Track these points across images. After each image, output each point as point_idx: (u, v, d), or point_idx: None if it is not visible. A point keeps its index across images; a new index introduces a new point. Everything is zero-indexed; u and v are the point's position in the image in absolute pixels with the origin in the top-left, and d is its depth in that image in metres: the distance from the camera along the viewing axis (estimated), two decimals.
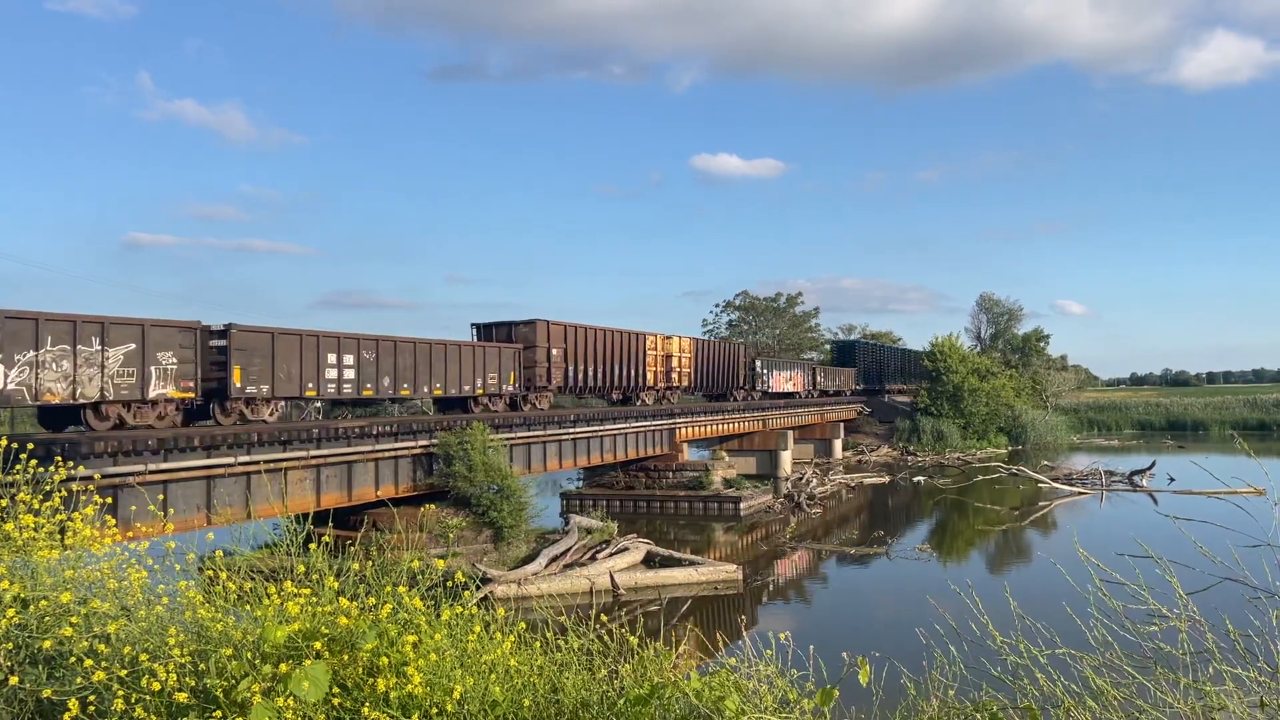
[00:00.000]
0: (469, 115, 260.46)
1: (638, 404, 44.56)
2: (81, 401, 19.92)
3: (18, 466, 6.45)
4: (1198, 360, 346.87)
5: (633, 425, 41.13)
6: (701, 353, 51.71)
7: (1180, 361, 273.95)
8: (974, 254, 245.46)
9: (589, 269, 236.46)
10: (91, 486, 6.61)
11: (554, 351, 37.60)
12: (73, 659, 4.36)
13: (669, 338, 47.60)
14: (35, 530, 5.66)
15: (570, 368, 38.92)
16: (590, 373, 40.53)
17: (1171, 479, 48.44)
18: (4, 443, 6.27)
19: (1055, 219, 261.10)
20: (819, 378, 71.99)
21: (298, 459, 23.62)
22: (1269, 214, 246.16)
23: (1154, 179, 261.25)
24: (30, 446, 6.54)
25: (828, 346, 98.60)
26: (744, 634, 5.53)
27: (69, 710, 4.04)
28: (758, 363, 59.72)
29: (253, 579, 4.92)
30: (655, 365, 45.56)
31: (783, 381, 63.24)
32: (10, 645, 4.53)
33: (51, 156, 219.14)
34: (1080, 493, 47.49)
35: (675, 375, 47.58)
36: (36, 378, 18.95)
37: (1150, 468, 51.00)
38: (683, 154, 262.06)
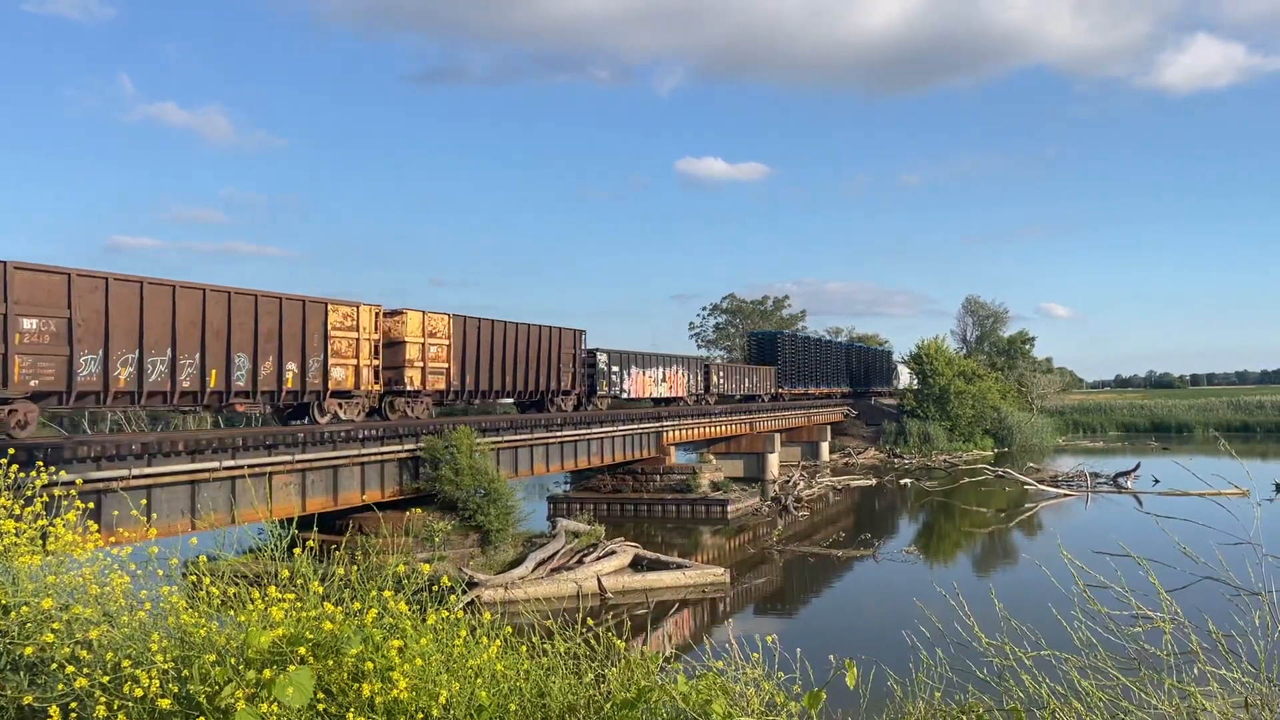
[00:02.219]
0: (451, 118, 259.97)
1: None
2: None
3: None
4: (1182, 362, 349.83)
5: (620, 428, 41.12)
6: (477, 338, 33.52)
7: (1164, 364, 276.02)
8: (958, 257, 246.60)
9: (574, 273, 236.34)
10: (74, 491, 6.56)
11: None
12: (54, 665, 4.33)
13: (405, 314, 29.99)
14: (16, 536, 5.62)
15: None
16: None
17: (1156, 480, 48.70)
18: None
19: (1039, 222, 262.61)
20: (716, 378, 57.37)
21: (283, 463, 23.50)
22: (1251, 217, 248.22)
23: (1136, 182, 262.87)
24: (11, 451, 6.49)
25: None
26: (731, 637, 5.53)
27: (51, 717, 4.01)
28: (602, 357, 43.53)
29: (237, 584, 4.89)
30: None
31: (649, 384, 48.58)
32: None
33: (31, 159, 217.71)
34: (1065, 494, 47.70)
35: (418, 374, 30.15)
36: None
37: (1135, 469, 51.27)
38: (667, 158, 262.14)
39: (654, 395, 49.86)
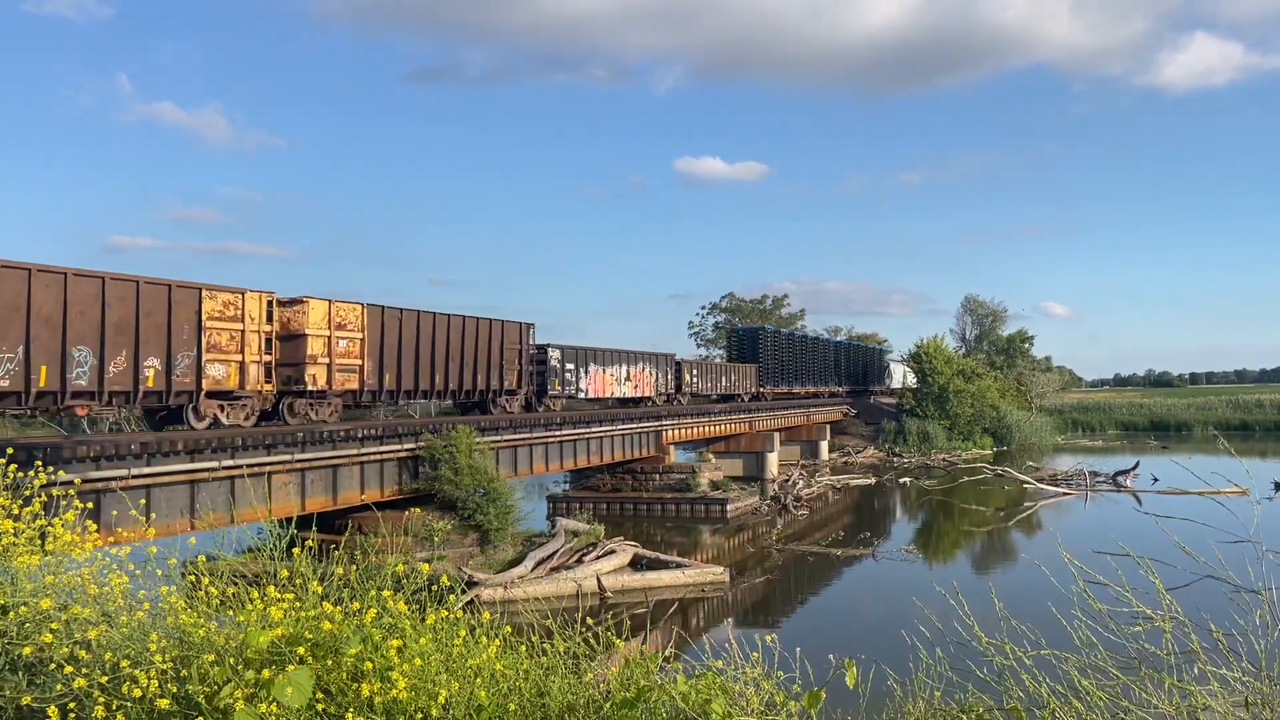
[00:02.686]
0: (449, 118, 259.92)
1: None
2: None
3: None
4: (1181, 361, 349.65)
5: (620, 428, 41.13)
6: (399, 332, 29.68)
7: (1163, 362, 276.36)
8: (957, 256, 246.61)
9: (573, 272, 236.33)
10: (72, 491, 6.55)
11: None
12: (53, 665, 4.32)
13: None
14: (15, 536, 5.61)
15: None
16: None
17: (1155, 479, 48.71)
18: None
19: (1038, 221, 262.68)
20: (689, 377, 53.33)
21: (282, 463, 23.50)
22: (1251, 215, 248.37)
23: (1135, 181, 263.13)
24: (10, 451, 6.49)
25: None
26: (730, 636, 5.52)
27: (49, 717, 4.00)
28: (554, 354, 39.47)
29: (236, 584, 4.88)
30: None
31: (610, 383, 44.51)
32: None
33: (29, 159, 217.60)
34: (1065, 493, 47.72)
35: (322, 371, 26.39)
36: None
37: (1134, 468, 51.28)
38: (665, 157, 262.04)
39: (617, 395, 45.64)
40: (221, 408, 23.58)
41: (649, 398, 48.43)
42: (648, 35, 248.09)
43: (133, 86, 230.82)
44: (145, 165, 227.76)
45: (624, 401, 46.69)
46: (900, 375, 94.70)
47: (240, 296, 23.85)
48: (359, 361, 27.78)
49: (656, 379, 49.44)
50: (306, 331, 25.87)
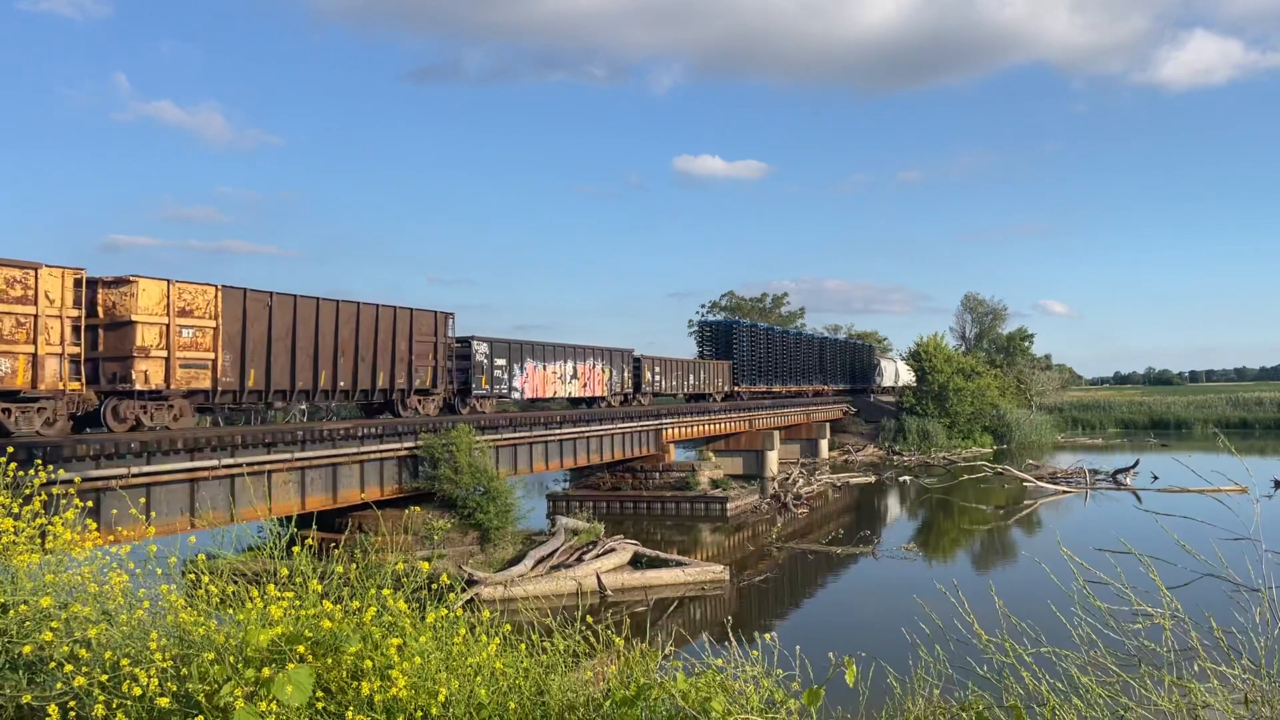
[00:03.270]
0: (447, 116, 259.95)
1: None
2: None
3: None
4: (1180, 359, 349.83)
5: (619, 426, 41.11)
6: (268, 321, 25.04)
7: (1163, 361, 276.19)
8: (956, 255, 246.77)
9: (573, 271, 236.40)
10: (72, 490, 6.54)
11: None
12: (53, 664, 4.33)
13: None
14: (15, 534, 5.61)
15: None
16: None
17: (1155, 477, 48.72)
18: None
19: (1036, 219, 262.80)
20: (651, 374, 48.16)
21: (282, 461, 23.49)
22: (1249, 214, 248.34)
23: (1134, 179, 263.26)
24: (10, 450, 6.49)
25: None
26: (730, 634, 5.53)
27: (49, 715, 4.00)
28: (480, 348, 34.30)
29: (236, 582, 4.88)
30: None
31: (552, 381, 39.29)
32: None
33: (27, 157, 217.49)
34: (1065, 491, 47.73)
35: (158, 367, 21.69)
36: None
37: (1134, 466, 51.30)
38: (664, 155, 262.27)
39: (562, 395, 40.65)
40: (8, 411, 18.76)
41: (601, 398, 43.12)
42: (646, 34, 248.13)
43: (131, 85, 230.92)
44: (143, 164, 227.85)
45: (573, 402, 42.51)
46: (892, 373, 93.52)
47: (32, 273, 18.99)
48: (211, 355, 22.86)
49: (611, 377, 43.98)
50: (136, 318, 21.03)
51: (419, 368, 30.52)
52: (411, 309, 30.22)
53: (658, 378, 49.00)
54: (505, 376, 35.95)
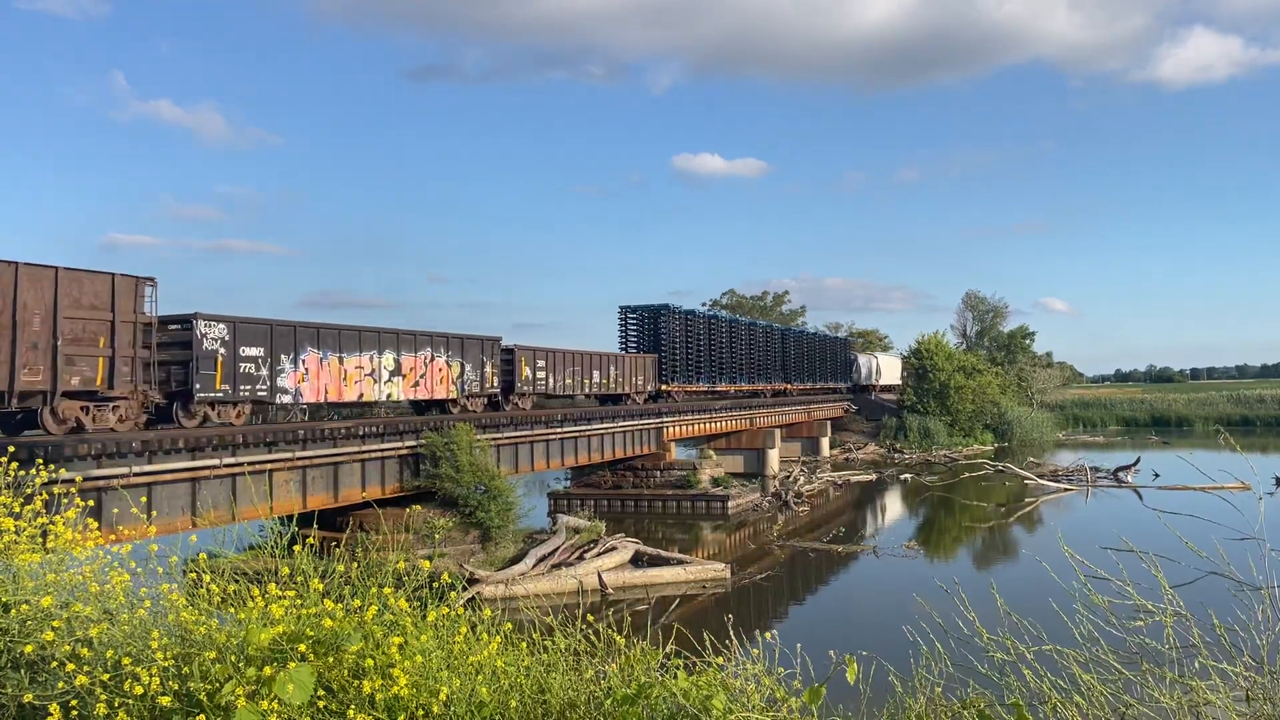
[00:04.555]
0: (446, 115, 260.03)
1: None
2: None
3: None
4: (1182, 357, 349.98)
5: (620, 424, 41.12)
6: None
7: (1164, 358, 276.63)
8: (956, 252, 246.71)
9: (572, 269, 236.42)
10: (74, 489, 6.55)
11: None
12: (55, 663, 4.33)
13: None
14: (16, 534, 5.62)
15: None
16: None
17: (1156, 475, 48.71)
18: None
19: (1037, 217, 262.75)
20: (530, 371, 37.83)
21: (283, 460, 23.50)
22: (1250, 211, 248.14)
23: (1134, 176, 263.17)
24: (11, 449, 6.49)
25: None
26: (731, 633, 5.53)
27: (51, 715, 4.00)
28: (212, 331, 23.56)
29: (237, 581, 4.89)
30: None
31: (355, 378, 28.46)
32: None
33: (26, 157, 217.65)
34: (1066, 489, 47.73)
35: None
36: None
37: (1135, 464, 51.31)
38: (663, 154, 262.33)
39: (372, 397, 29.12)
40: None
41: (449, 400, 32.93)
42: (645, 32, 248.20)
43: (129, 84, 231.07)
44: (142, 163, 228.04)
45: (389, 407, 32.54)
46: (870, 369, 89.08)
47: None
48: None
49: (463, 374, 33.27)
50: None
51: (75, 359, 19.65)
52: (59, 267, 19.35)
53: (545, 374, 38.72)
54: (262, 372, 25.00)
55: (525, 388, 37.39)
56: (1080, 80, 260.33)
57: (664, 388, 50.51)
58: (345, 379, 28.00)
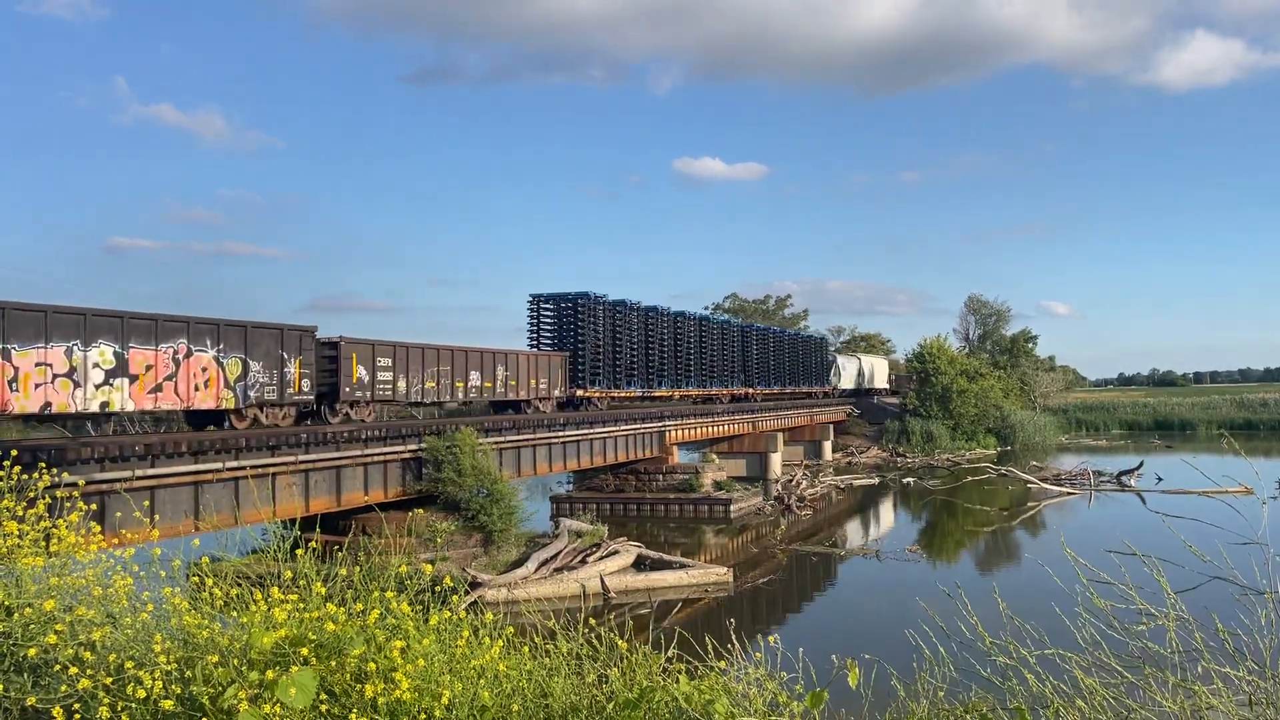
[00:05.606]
0: (447, 118, 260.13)
1: None
2: None
3: (0, 473, 6.41)
4: (1184, 360, 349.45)
5: (623, 428, 41.13)
6: None
7: (1167, 361, 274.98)
8: (958, 255, 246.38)
9: (574, 272, 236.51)
10: (76, 493, 6.57)
11: None
12: (58, 667, 4.33)
13: None
14: (19, 537, 5.62)
15: None
16: None
17: (1159, 479, 48.64)
18: None
19: (1039, 220, 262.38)
20: (369, 372, 29.09)
21: (286, 464, 23.52)
22: (1252, 214, 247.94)
23: (1136, 179, 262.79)
24: (14, 453, 6.50)
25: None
26: (734, 637, 5.53)
27: (54, 718, 4.01)
28: None
29: (240, 585, 4.89)
30: None
31: (31, 377, 19.08)
32: None
33: (27, 160, 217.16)
34: (1069, 493, 47.66)
35: None
36: None
37: (1138, 468, 51.23)
38: (664, 157, 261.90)
39: (66, 410, 20.03)
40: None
41: (224, 410, 24.39)
42: (646, 35, 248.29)
43: (130, 88, 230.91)
44: (144, 167, 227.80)
45: (100, 419, 21.84)
46: (853, 373, 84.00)
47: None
48: None
49: (246, 373, 24.52)
50: None
51: None
52: None
53: (388, 375, 29.71)
54: None
55: (359, 393, 28.47)
56: (1081, 83, 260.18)
57: (580, 393, 42.75)
58: (17, 382, 18.91)
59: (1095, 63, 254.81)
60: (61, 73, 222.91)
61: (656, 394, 50.05)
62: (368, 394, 28.86)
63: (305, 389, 26.53)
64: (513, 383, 36.73)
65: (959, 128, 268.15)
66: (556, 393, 40.05)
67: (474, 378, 34.22)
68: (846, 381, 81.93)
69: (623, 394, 46.76)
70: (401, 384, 30.21)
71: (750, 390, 62.99)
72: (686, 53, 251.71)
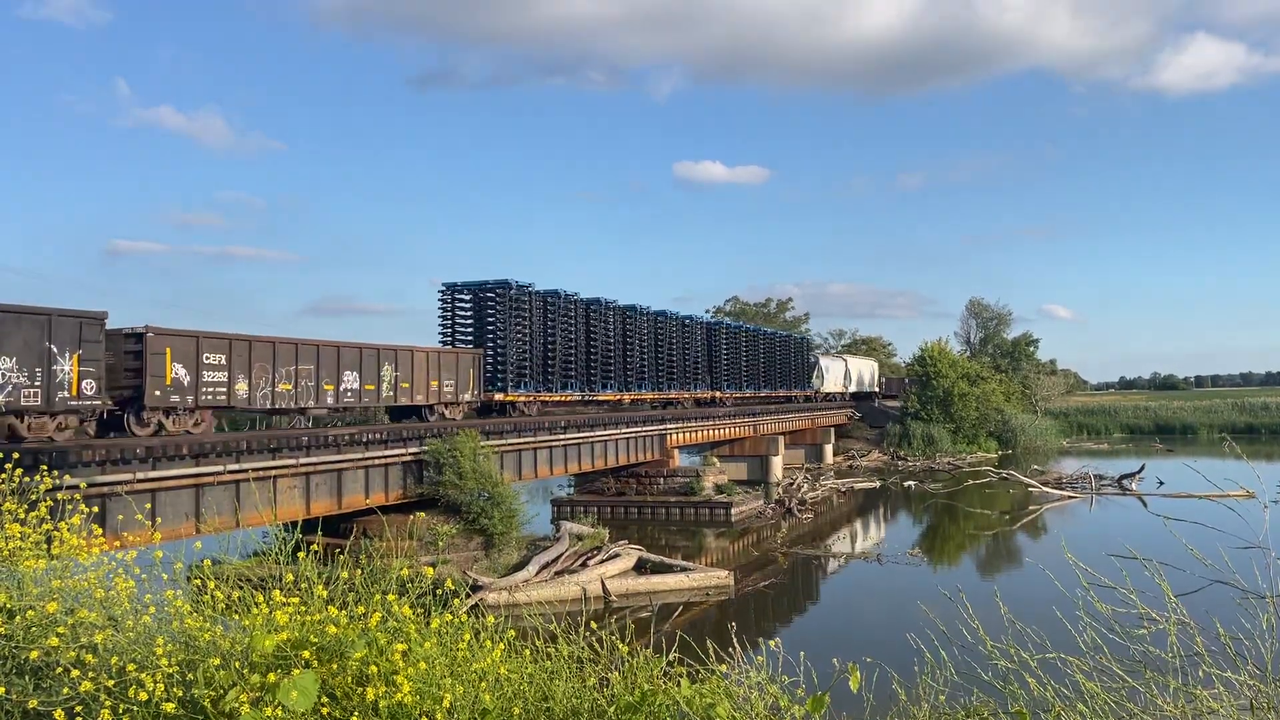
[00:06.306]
0: (448, 121, 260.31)
1: None
2: None
3: (2, 475, 6.42)
4: (1185, 364, 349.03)
5: (624, 431, 41.11)
6: None
7: (1168, 365, 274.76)
8: (960, 259, 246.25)
9: (574, 276, 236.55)
10: (78, 495, 6.57)
11: None
12: (59, 669, 4.33)
13: None
14: (21, 540, 5.63)
15: None
16: None
17: (1161, 482, 48.60)
18: None
19: (1039, 223, 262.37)
20: (191, 371, 22.69)
21: (287, 467, 23.52)
22: (1254, 218, 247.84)
23: (1137, 183, 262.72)
24: (16, 455, 6.50)
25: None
26: (735, 640, 5.53)
27: None
28: None
29: (241, 588, 4.90)
30: None
31: None
32: None
33: (29, 164, 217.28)
34: (1070, 497, 47.62)
35: None
36: None
37: (1139, 471, 51.19)
38: (665, 161, 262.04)
39: None
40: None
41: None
42: (646, 39, 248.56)
43: (131, 91, 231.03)
44: (145, 170, 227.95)
45: None
46: (838, 375, 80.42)
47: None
48: None
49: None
50: None
51: None
52: None
53: (222, 375, 23.69)
54: None
55: (176, 397, 22.48)
56: (1082, 87, 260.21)
57: (501, 396, 36.69)
58: None
59: (1096, 66, 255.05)
60: (63, 76, 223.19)
61: (600, 397, 44.68)
62: (189, 398, 22.70)
63: (89, 392, 20.59)
64: (405, 385, 30.65)
65: (960, 131, 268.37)
66: (467, 396, 34.08)
67: (349, 379, 28.33)
68: (831, 385, 78.43)
69: (557, 398, 40.98)
70: (241, 386, 24.21)
71: (718, 394, 57.53)
72: (687, 56, 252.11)
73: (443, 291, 38.34)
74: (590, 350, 43.38)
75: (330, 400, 27.60)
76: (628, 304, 47.43)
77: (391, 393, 30.07)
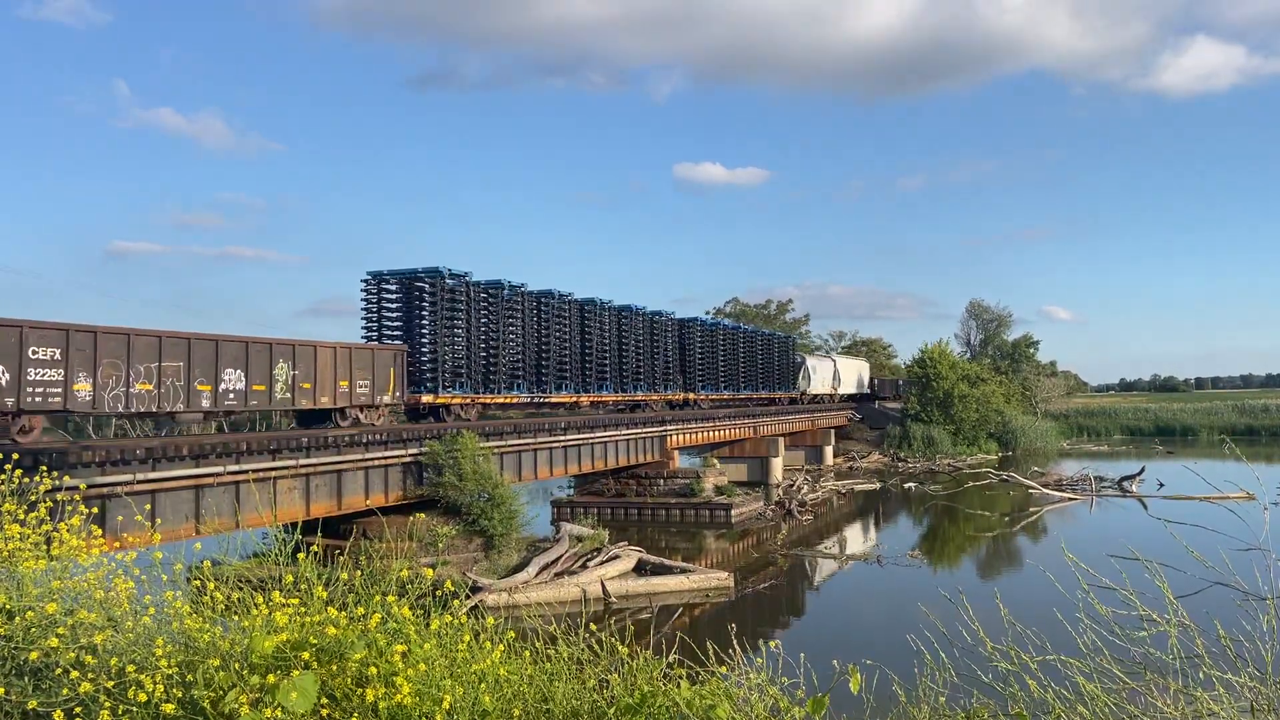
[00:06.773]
0: (448, 123, 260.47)
1: None
2: None
3: (1, 476, 6.42)
4: (1186, 366, 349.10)
5: (624, 432, 41.09)
6: None
7: (1169, 367, 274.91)
8: (960, 260, 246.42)
9: (574, 277, 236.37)
10: (78, 496, 6.57)
11: None
12: (59, 670, 4.33)
13: None
14: (21, 541, 5.63)
15: None
16: None
17: (1161, 484, 48.58)
18: None
19: (1040, 225, 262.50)
20: (15, 367, 18.85)
21: (287, 468, 23.51)
22: (1254, 219, 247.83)
23: (1137, 185, 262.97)
24: (16, 456, 6.50)
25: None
26: (735, 642, 5.53)
27: None
28: None
29: (241, 589, 4.89)
30: None
31: None
32: None
33: (29, 165, 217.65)
34: (1070, 498, 47.59)
35: None
36: None
37: (1140, 473, 51.17)
38: (665, 163, 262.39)
39: None
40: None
41: None
42: (646, 40, 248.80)
43: (131, 92, 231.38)
44: (146, 171, 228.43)
45: None
46: (826, 376, 77.39)
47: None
48: None
49: None
50: None
51: None
52: None
53: (50, 373, 19.82)
54: None
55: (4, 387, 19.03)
56: (1082, 89, 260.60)
57: (429, 399, 33.09)
58: None
59: (1095, 68, 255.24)
60: (63, 77, 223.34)
61: (554, 400, 40.87)
62: (7, 401, 19.06)
63: None
64: (305, 385, 26.65)
65: (960, 133, 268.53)
66: (386, 398, 30.05)
67: (231, 378, 24.22)
68: (819, 386, 75.29)
69: (500, 400, 37.33)
70: (83, 386, 20.39)
71: (691, 395, 54.19)
72: (686, 58, 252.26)
73: (367, 281, 34.03)
74: (542, 348, 39.65)
75: (206, 403, 23.50)
76: (585, 297, 43.69)
77: (289, 394, 26.02)
